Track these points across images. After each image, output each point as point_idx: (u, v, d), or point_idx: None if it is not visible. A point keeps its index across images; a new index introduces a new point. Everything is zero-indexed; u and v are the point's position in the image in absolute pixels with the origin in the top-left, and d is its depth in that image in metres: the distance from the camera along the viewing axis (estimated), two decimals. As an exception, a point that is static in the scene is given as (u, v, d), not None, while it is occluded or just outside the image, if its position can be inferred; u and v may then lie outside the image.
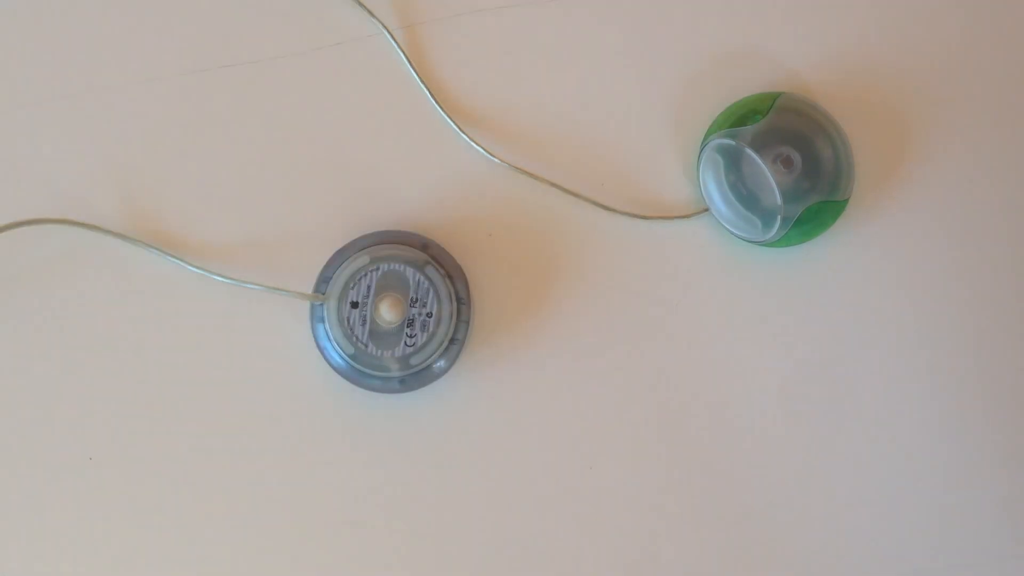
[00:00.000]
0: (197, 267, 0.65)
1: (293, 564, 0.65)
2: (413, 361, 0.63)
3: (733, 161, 0.65)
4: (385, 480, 0.65)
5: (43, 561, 0.65)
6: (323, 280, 0.65)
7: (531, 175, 0.67)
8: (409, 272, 0.64)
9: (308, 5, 0.68)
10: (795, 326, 0.67)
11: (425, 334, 0.63)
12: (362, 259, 0.64)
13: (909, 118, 0.68)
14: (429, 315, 0.63)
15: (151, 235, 0.67)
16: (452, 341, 0.64)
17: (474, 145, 0.67)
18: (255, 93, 0.68)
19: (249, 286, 0.65)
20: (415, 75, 0.68)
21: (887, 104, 0.68)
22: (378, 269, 0.64)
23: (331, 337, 0.63)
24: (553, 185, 0.67)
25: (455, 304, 0.64)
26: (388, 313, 0.63)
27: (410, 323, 0.63)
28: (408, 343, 0.63)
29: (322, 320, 0.64)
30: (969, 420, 0.67)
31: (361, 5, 0.68)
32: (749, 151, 0.64)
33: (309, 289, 0.66)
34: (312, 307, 0.65)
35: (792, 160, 0.64)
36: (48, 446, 0.65)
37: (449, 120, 0.67)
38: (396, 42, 0.68)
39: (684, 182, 0.68)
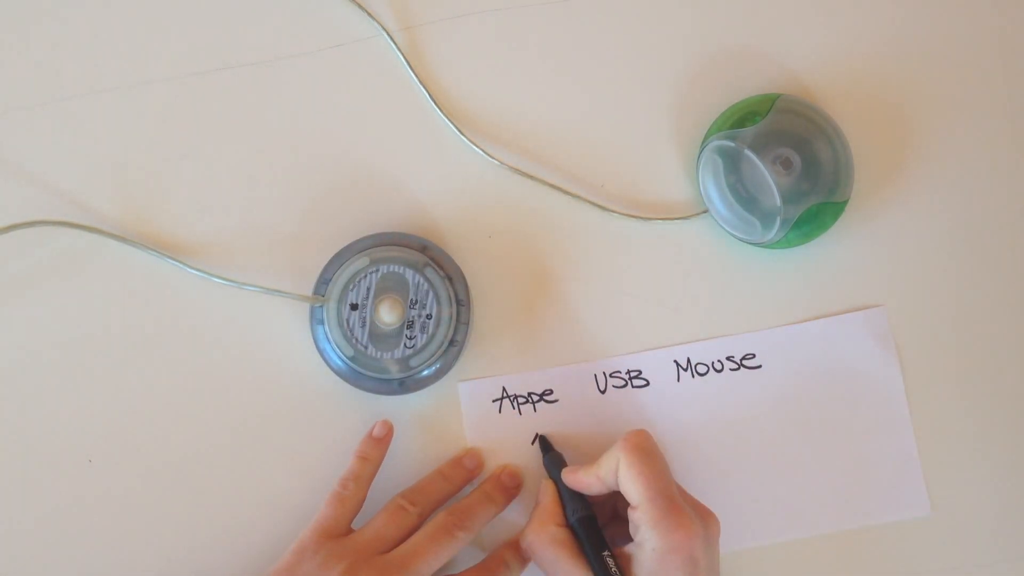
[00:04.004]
0: (196, 269, 0.65)
1: (293, 566, 0.65)
2: (412, 363, 0.63)
3: (732, 162, 0.65)
4: (384, 481, 0.65)
5: (44, 562, 0.65)
6: (322, 282, 0.65)
7: (530, 176, 0.67)
8: (409, 274, 0.64)
9: (307, 7, 0.68)
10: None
11: (425, 336, 0.63)
12: (362, 261, 0.64)
13: (909, 119, 0.68)
14: (428, 317, 0.63)
15: (150, 237, 0.67)
16: (451, 343, 0.64)
17: (473, 147, 0.67)
18: (254, 95, 0.68)
19: (248, 288, 0.65)
20: (414, 77, 0.67)
21: (887, 105, 0.68)
22: (377, 271, 0.64)
23: (331, 339, 0.63)
24: (552, 186, 0.67)
25: (455, 306, 0.64)
26: (388, 315, 0.63)
27: (409, 325, 0.63)
28: (408, 345, 0.63)
29: (322, 322, 0.64)
30: (969, 420, 0.67)
31: (360, 7, 0.68)
32: (748, 152, 0.64)
33: (309, 291, 0.66)
34: (312, 309, 0.65)
35: (791, 161, 0.64)
36: (48, 447, 0.65)
37: (448, 122, 0.67)
38: (395, 44, 0.68)
39: (683, 183, 0.68)
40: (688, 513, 0.58)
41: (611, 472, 0.60)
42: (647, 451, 0.60)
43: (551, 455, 0.65)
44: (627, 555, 0.59)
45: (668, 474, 0.60)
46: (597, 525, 0.61)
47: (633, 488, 0.59)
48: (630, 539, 0.60)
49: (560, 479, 0.63)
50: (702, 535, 0.58)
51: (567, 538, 0.61)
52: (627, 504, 0.60)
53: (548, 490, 0.63)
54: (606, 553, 0.59)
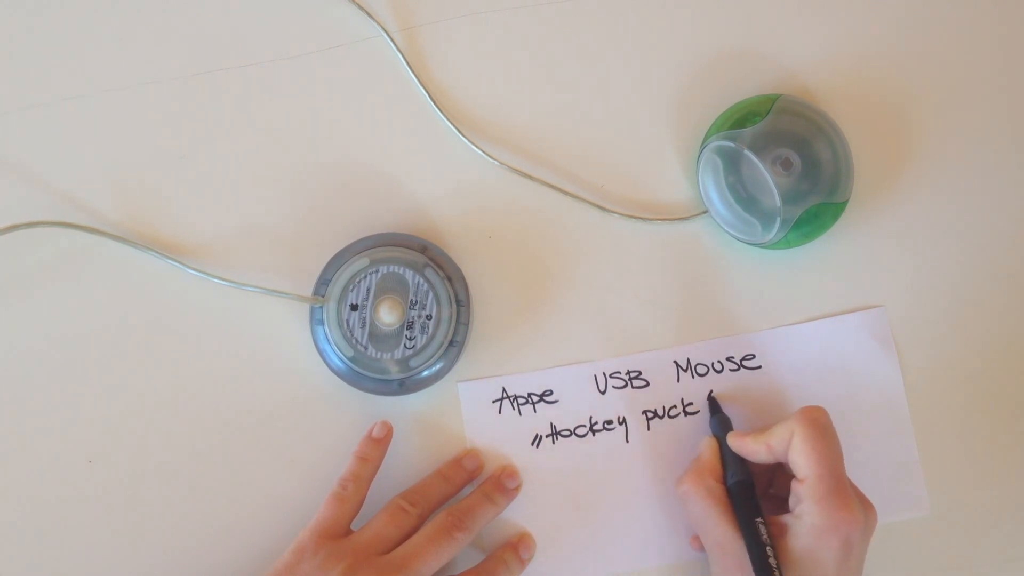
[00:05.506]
0: (196, 269, 0.65)
1: (293, 566, 0.65)
2: (412, 363, 0.63)
3: (732, 163, 0.65)
4: (384, 481, 0.65)
5: (44, 561, 0.65)
6: (322, 282, 0.65)
7: (530, 177, 0.67)
8: (408, 274, 0.64)
9: (307, 7, 0.68)
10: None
11: (424, 336, 0.63)
12: (361, 261, 0.64)
13: (909, 119, 0.68)
14: (428, 317, 0.63)
15: (150, 238, 0.67)
16: (451, 343, 0.64)
17: (473, 147, 0.67)
18: (254, 95, 0.68)
19: (248, 288, 0.65)
20: (414, 78, 0.68)
21: (887, 105, 0.68)
22: (377, 271, 0.64)
23: (330, 340, 0.63)
24: (552, 187, 0.67)
25: (454, 306, 0.64)
26: (387, 315, 0.63)
27: (409, 325, 0.63)
28: (407, 345, 0.63)
29: (321, 323, 0.64)
30: (969, 420, 0.67)
31: (360, 7, 0.68)
32: (748, 153, 0.64)
33: (308, 291, 0.66)
34: (311, 309, 0.65)
35: (791, 162, 0.64)
36: (48, 447, 0.65)
37: (448, 122, 0.67)
38: (395, 45, 0.68)
39: (683, 184, 0.68)
40: (853, 497, 0.58)
41: (783, 442, 0.60)
42: (824, 427, 0.59)
43: (719, 416, 0.65)
44: (782, 524, 0.59)
45: (840, 454, 0.60)
46: (754, 492, 0.61)
47: (804, 461, 0.58)
48: (781, 513, 0.60)
49: (725, 441, 0.63)
50: (862, 522, 0.58)
51: (722, 494, 0.61)
52: (787, 477, 0.60)
53: (711, 446, 0.64)
54: (759, 520, 0.59)
